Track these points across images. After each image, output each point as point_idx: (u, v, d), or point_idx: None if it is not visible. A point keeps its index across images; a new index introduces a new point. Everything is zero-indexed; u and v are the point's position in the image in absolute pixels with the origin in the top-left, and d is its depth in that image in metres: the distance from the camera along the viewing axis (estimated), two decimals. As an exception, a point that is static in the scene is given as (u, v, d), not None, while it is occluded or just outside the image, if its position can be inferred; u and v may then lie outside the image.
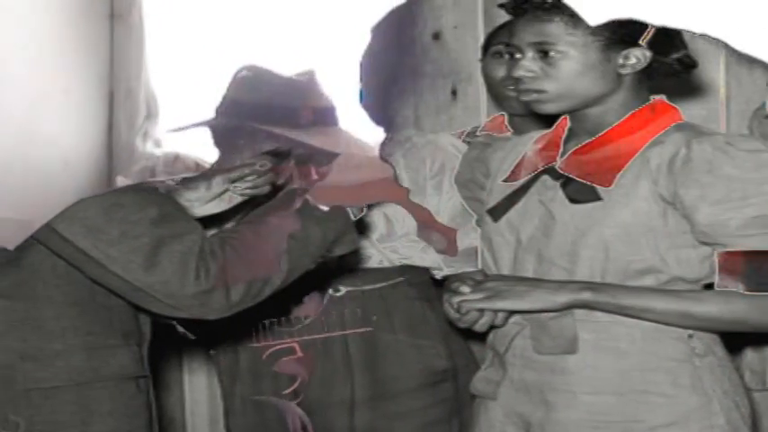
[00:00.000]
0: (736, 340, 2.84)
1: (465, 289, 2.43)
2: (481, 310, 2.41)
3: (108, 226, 2.25)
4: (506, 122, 3.31)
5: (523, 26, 2.38)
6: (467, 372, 2.87)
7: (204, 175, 2.61)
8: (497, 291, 2.39)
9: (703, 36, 2.52)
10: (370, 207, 2.47)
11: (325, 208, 2.34)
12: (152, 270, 2.20)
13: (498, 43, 3.18)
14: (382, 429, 2.96)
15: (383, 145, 2.96)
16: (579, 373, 2.40)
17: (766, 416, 3.39)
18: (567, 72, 2.36)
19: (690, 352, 2.38)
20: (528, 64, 2.39)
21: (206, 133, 2.99)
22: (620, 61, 2.38)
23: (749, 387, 2.98)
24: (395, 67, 2.81)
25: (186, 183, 2.58)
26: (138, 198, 2.32)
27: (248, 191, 2.63)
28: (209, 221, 2.59)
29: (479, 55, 3.36)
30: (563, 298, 2.35)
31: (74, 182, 4.11)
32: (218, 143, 2.77)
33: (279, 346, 2.77)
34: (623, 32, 2.35)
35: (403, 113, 3.94)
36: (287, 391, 2.96)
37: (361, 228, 2.65)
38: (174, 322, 2.42)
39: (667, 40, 2.39)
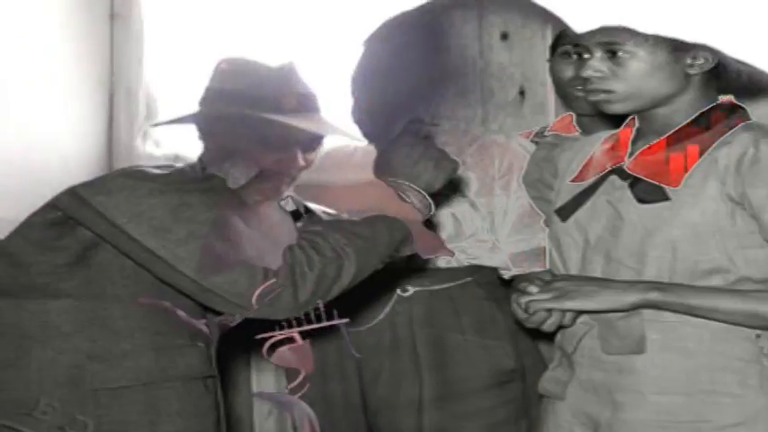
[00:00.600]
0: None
1: (533, 289, 2.45)
2: (549, 311, 2.43)
3: (176, 226, 2.29)
4: (574, 122, 3.31)
5: (592, 26, 2.40)
6: (535, 372, 2.88)
7: (264, 177, 2.61)
8: (565, 291, 2.40)
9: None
10: (437, 207, 2.47)
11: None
12: (220, 270, 2.23)
13: (566, 43, 3.18)
14: (450, 429, 2.97)
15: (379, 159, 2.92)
16: (647, 373, 2.41)
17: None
18: (636, 72, 2.37)
19: (758, 352, 2.38)
20: (596, 64, 2.40)
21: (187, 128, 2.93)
22: (688, 61, 2.39)
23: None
24: (424, 72, 2.78)
25: (249, 185, 2.58)
26: (205, 198, 2.36)
27: None
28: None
29: (547, 55, 3.37)
30: (631, 298, 2.36)
31: (74, 182, 4.06)
32: (203, 134, 2.76)
33: (279, 337, 2.76)
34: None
35: (464, 114, 3.95)
36: (291, 385, 2.89)
37: (429, 228, 2.65)
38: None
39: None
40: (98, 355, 2.37)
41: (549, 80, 3.50)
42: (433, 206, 2.40)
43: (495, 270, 3.01)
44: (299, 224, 2.37)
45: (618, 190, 2.47)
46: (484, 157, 2.98)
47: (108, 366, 2.37)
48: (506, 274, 3.00)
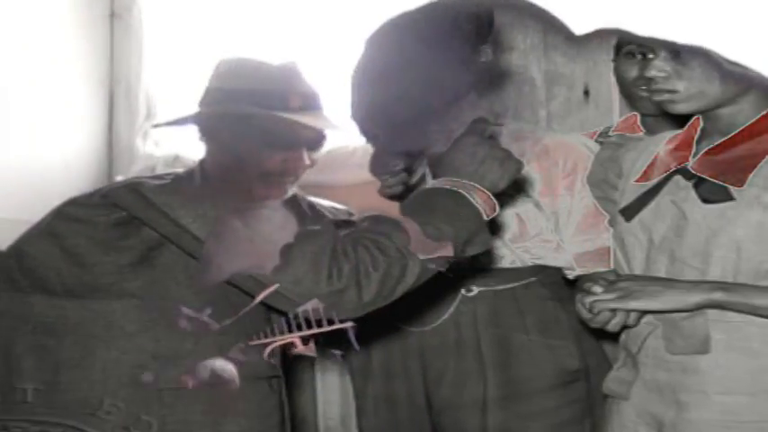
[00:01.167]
0: None
1: (597, 289, 2.46)
2: (614, 311, 2.45)
3: None
4: (639, 122, 3.31)
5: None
6: (599, 372, 2.88)
7: None
8: (630, 291, 2.42)
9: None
10: (502, 207, 2.48)
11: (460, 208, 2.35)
12: (284, 270, 2.22)
13: (631, 43, 3.19)
14: (515, 429, 2.97)
15: (374, 158, 2.95)
16: (711, 373, 2.42)
17: None
18: (699, 72, 2.39)
19: (822, 352, 2.38)
20: (660, 64, 2.41)
21: (189, 130, 2.91)
22: (752, 61, 2.40)
23: None
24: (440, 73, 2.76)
25: None
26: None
27: (381, 190, 2.65)
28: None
29: (612, 55, 3.38)
30: (695, 298, 2.37)
31: (74, 182, 4.15)
32: (205, 135, 2.76)
33: (280, 342, 2.75)
34: None
35: (528, 115, 3.95)
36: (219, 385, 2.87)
37: (494, 228, 2.66)
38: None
39: None
40: (162, 355, 2.40)
41: (613, 80, 3.50)
42: (497, 206, 2.40)
43: (559, 270, 3.01)
44: (363, 224, 2.38)
45: (682, 190, 2.48)
46: (548, 157, 2.98)
47: (172, 366, 2.40)
48: (571, 274, 3.00)
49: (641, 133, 3.24)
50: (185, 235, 2.34)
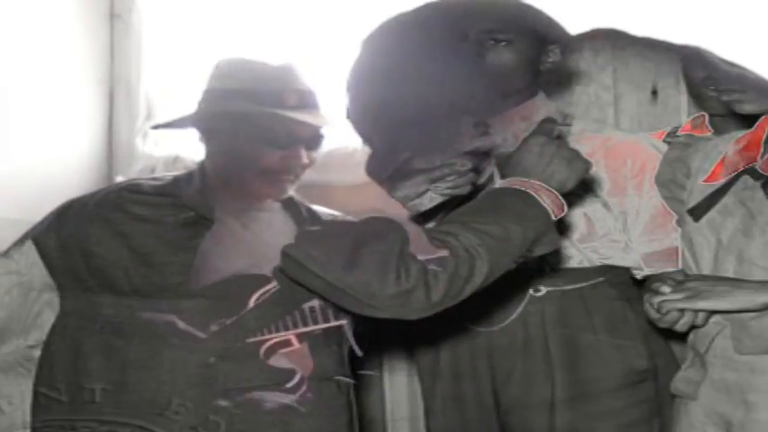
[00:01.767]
0: None
1: (666, 289, 2.48)
2: (682, 311, 2.47)
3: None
4: (707, 123, 3.31)
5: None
6: (667, 372, 2.88)
7: (403, 174, 2.65)
8: (698, 291, 2.44)
9: None
10: (570, 207, 2.48)
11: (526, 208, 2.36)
12: (352, 270, 2.21)
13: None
14: (583, 429, 2.97)
15: (371, 160, 2.92)
16: (780, 373, 2.42)
17: None
18: None
19: None
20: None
21: (187, 132, 2.90)
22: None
23: None
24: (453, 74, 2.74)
25: (386, 183, 2.63)
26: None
27: (449, 191, 2.66)
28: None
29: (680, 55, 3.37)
30: (764, 298, 2.38)
31: (74, 182, 4.18)
32: (204, 136, 2.72)
33: (275, 340, 2.76)
34: None
35: (597, 114, 3.94)
36: (287, 386, 2.76)
37: (562, 228, 2.65)
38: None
39: None
40: (230, 355, 2.42)
41: (681, 80, 3.50)
42: (566, 206, 2.41)
43: (627, 270, 3.01)
44: (431, 224, 2.40)
45: (750, 190, 2.49)
46: (616, 157, 2.98)
47: (240, 366, 2.42)
48: (639, 274, 3.00)
49: (709, 133, 3.23)
50: None
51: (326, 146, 2.76)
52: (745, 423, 2.46)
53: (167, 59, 4.51)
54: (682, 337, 2.64)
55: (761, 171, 2.49)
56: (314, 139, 2.66)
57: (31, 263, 2.59)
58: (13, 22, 4.16)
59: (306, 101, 2.65)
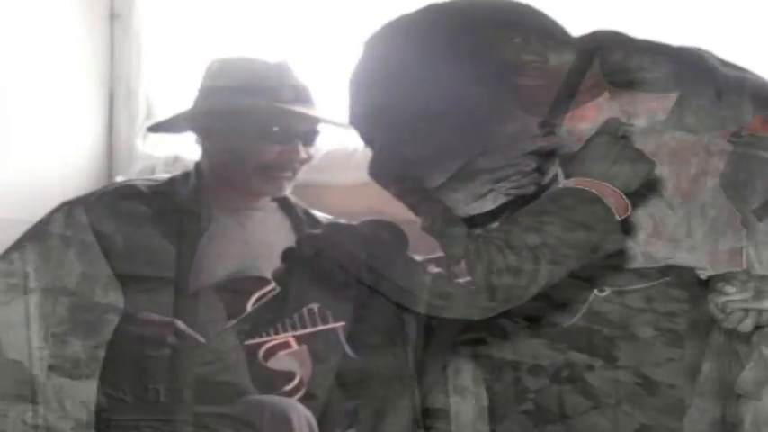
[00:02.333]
0: None
1: (730, 289, 2.48)
2: (746, 311, 2.45)
3: None
4: (774, 120, 3.30)
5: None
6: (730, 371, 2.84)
7: (466, 174, 2.63)
8: (762, 290, 2.44)
9: None
10: (633, 207, 2.49)
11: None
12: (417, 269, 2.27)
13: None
14: (651, 426, 2.96)
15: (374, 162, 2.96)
16: None
17: None
18: None
19: None
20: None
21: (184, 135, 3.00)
22: None
23: None
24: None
25: (448, 183, 2.62)
26: None
27: (513, 191, 2.67)
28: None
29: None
30: None
31: (74, 182, 4.19)
32: (200, 134, 2.80)
33: (274, 342, 2.76)
34: None
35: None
36: (286, 389, 2.86)
37: (626, 228, 2.64)
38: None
39: None
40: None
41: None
42: (630, 206, 2.42)
43: (692, 270, 3.02)
44: (495, 224, 2.40)
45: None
46: (681, 157, 2.98)
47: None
48: (703, 274, 3.00)
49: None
50: None
51: (326, 146, 2.78)
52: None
53: (167, 59, 4.54)
54: (746, 337, 2.62)
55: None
56: (310, 134, 2.68)
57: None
58: (13, 23, 4.18)
59: (300, 95, 2.68)
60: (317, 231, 2.54)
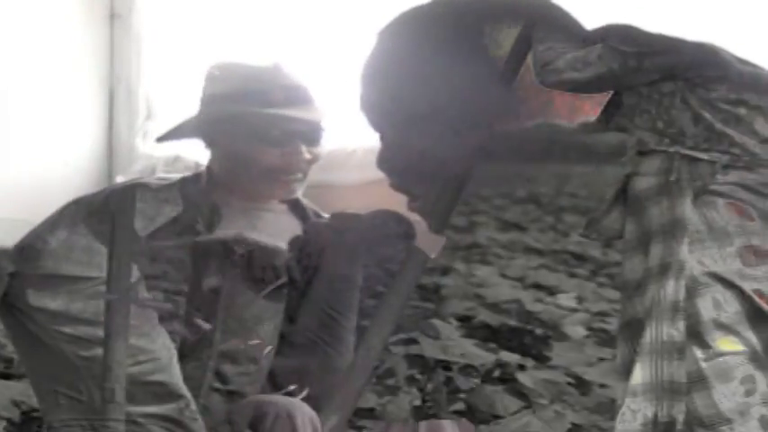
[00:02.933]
0: None
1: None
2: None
3: None
4: None
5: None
6: None
7: None
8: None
9: None
10: None
11: None
12: None
13: None
14: None
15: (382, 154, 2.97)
16: None
17: None
18: None
19: None
20: None
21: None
22: None
23: None
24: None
25: None
26: None
27: None
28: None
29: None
30: None
31: (74, 182, 4.24)
32: (205, 141, 2.79)
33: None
34: None
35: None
36: (292, 387, 2.84)
37: None
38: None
39: None
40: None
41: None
42: None
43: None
44: None
45: None
46: None
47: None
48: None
49: None
50: None
51: (326, 146, 2.77)
52: None
53: (167, 59, 4.56)
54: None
55: None
56: (312, 134, 2.69)
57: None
58: (14, 23, 4.21)
59: (294, 97, 2.69)
60: (324, 221, 2.59)
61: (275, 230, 2.73)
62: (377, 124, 2.68)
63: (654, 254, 2.37)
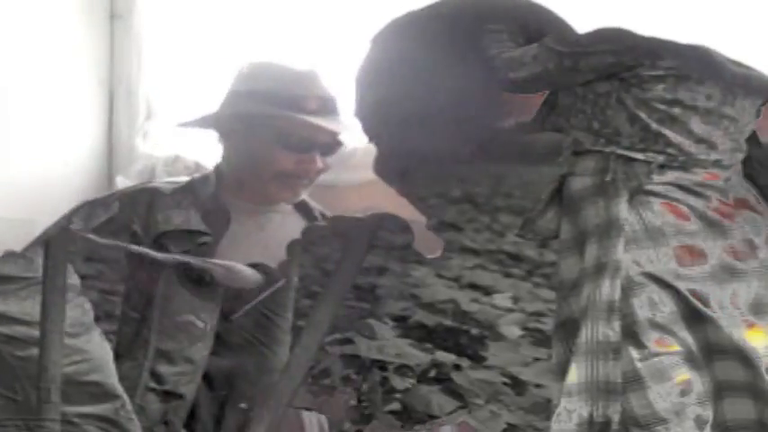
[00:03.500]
0: None
1: None
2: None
3: None
4: None
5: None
6: None
7: None
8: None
9: None
10: None
11: None
12: None
13: None
14: None
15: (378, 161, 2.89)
16: None
17: None
18: None
19: None
20: None
21: (206, 133, 3.01)
22: None
23: None
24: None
25: None
26: None
27: None
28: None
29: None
30: None
31: (74, 182, 4.24)
32: (222, 136, 2.83)
33: None
34: None
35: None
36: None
37: None
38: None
39: None
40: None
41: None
42: None
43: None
44: None
45: None
46: None
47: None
48: None
49: None
50: None
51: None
52: None
53: (167, 59, 4.55)
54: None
55: None
56: (330, 146, 2.72)
57: None
58: (14, 23, 4.20)
59: (326, 107, 2.71)
60: (322, 222, 2.64)
61: (283, 232, 2.74)
62: (372, 130, 2.69)
63: (589, 254, 2.38)
